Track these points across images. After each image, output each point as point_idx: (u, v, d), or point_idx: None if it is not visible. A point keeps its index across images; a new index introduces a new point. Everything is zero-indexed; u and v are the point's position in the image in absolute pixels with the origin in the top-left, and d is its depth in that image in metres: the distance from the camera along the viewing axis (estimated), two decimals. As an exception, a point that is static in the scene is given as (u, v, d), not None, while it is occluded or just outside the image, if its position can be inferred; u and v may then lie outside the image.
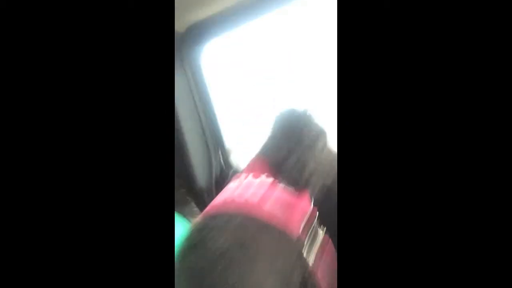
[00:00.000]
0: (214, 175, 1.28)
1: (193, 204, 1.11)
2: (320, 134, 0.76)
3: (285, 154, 0.69)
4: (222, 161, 1.34)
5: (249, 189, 0.62)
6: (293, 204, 0.62)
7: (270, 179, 0.64)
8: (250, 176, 0.66)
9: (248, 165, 0.73)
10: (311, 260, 0.60)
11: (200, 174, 1.23)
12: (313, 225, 0.65)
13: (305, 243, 0.60)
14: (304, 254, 0.59)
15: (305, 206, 0.65)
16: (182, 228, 0.67)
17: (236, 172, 1.28)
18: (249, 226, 0.55)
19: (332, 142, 0.79)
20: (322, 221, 0.69)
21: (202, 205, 1.07)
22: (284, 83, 1.31)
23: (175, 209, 0.72)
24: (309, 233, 0.63)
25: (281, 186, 0.63)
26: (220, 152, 1.34)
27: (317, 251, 0.62)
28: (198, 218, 0.62)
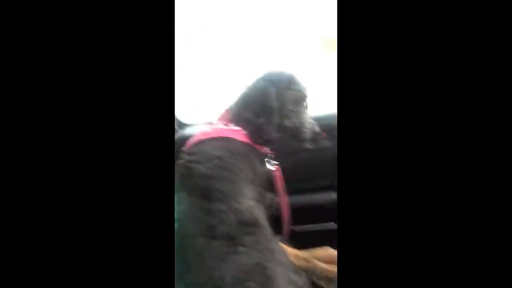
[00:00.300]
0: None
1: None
2: (301, 96, 0.84)
3: (249, 116, 0.80)
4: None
5: (222, 130, 0.82)
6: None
7: (238, 128, 0.82)
8: (221, 124, 0.83)
9: (221, 117, 0.87)
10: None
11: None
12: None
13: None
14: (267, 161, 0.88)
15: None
16: None
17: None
18: (233, 143, 0.79)
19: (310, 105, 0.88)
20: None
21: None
22: (250, 49, 1.30)
23: None
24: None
25: (245, 133, 0.82)
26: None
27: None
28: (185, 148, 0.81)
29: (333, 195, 1.14)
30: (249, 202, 0.71)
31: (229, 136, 0.80)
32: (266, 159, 0.89)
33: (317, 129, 0.89)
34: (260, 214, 0.71)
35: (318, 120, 1.14)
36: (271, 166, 0.91)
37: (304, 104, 0.88)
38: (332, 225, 1.19)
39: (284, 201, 0.94)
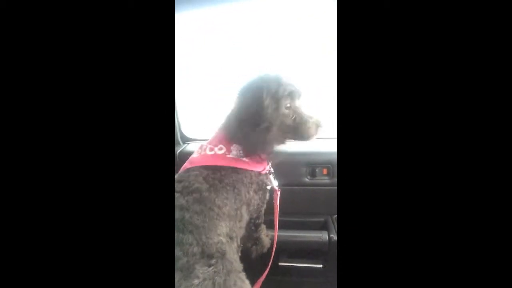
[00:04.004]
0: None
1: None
2: (288, 95, 0.78)
3: (245, 129, 0.77)
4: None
5: (208, 157, 0.82)
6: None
7: (222, 151, 0.81)
8: (208, 149, 0.82)
9: (213, 137, 0.87)
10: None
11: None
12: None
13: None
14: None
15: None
16: None
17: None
18: (219, 172, 0.78)
19: (301, 104, 0.83)
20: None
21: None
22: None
23: None
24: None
25: (230, 156, 0.80)
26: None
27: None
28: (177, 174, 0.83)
29: (324, 235, 1.11)
30: (220, 238, 0.72)
31: (216, 163, 0.79)
32: (267, 178, 0.88)
33: (319, 120, 0.83)
34: (229, 249, 0.72)
35: (319, 155, 1.16)
36: (273, 185, 0.89)
37: (299, 98, 0.83)
38: (319, 267, 1.15)
39: (276, 230, 0.91)
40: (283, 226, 1.13)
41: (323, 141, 1.24)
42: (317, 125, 0.81)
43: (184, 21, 1.20)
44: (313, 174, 1.15)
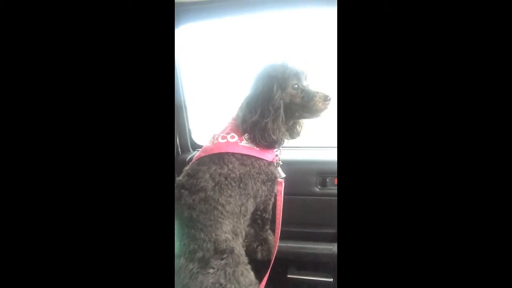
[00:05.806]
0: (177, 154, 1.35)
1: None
2: (294, 76, 0.83)
3: (255, 118, 0.81)
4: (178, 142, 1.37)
5: (220, 144, 0.84)
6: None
7: (234, 140, 0.84)
8: (220, 137, 0.85)
9: (225, 127, 0.90)
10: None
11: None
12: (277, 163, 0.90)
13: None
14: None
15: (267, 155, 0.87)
16: None
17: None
18: (228, 164, 0.81)
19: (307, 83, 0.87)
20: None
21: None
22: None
23: None
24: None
25: (242, 144, 0.83)
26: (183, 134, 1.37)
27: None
28: (187, 166, 0.86)
29: (334, 248, 1.08)
30: (227, 235, 0.78)
31: (227, 151, 0.83)
32: (274, 166, 0.89)
33: (326, 94, 0.85)
34: (235, 244, 0.78)
35: (329, 164, 1.14)
36: (279, 175, 0.89)
37: (305, 78, 0.87)
38: (330, 281, 1.11)
39: (279, 225, 0.90)
40: (291, 237, 1.11)
41: (334, 150, 1.22)
42: (324, 99, 0.84)
43: (198, 33, 1.24)
44: (323, 184, 1.13)
